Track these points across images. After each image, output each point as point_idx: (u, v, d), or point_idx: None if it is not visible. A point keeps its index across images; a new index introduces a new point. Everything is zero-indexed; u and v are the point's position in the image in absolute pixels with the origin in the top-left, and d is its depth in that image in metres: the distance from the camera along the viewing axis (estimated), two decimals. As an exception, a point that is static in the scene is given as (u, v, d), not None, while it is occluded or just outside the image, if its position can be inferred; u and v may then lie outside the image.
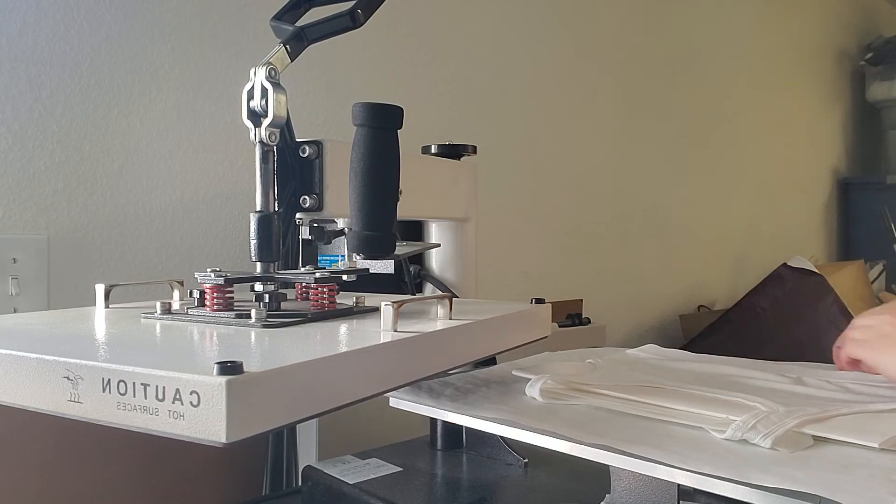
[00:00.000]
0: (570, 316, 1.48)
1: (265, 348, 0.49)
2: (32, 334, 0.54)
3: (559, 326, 1.44)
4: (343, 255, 0.77)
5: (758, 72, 2.41)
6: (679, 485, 0.49)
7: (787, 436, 0.49)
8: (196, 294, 0.61)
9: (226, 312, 0.57)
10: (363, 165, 0.59)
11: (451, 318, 0.60)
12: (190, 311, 0.59)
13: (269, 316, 0.55)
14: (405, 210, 0.65)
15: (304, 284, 0.66)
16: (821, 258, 2.67)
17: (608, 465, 0.52)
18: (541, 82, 1.60)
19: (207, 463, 0.94)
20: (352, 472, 0.73)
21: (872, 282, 2.49)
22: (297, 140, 0.67)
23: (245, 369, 0.37)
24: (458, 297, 0.70)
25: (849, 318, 1.71)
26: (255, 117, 0.60)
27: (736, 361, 0.80)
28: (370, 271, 0.67)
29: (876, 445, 0.48)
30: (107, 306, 0.66)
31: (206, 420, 0.37)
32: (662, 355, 0.83)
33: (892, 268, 2.64)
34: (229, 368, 0.37)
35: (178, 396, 0.37)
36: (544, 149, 1.61)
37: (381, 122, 0.59)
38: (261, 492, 0.95)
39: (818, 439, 0.50)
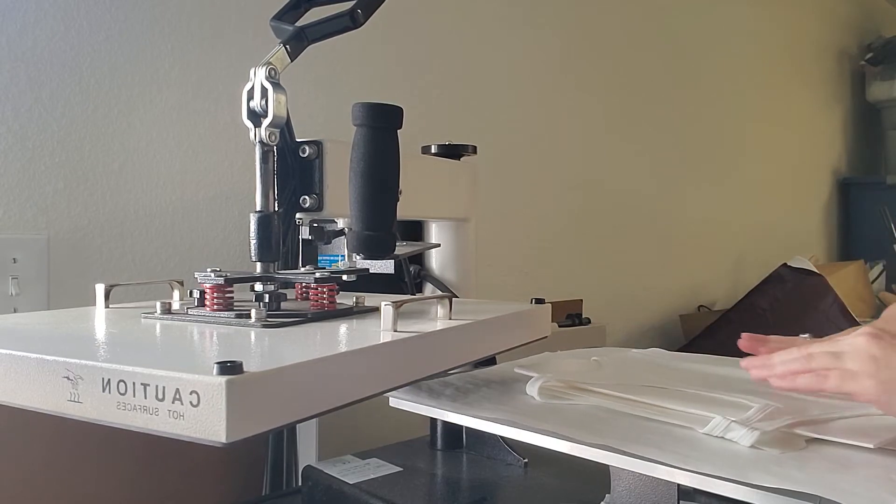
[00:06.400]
0: (570, 316, 1.48)
1: (265, 348, 0.49)
2: (32, 334, 0.54)
3: (559, 326, 1.44)
4: (343, 255, 0.77)
5: (758, 72, 2.41)
6: (679, 485, 0.49)
7: (775, 436, 0.49)
8: (196, 294, 0.61)
9: (226, 312, 0.57)
10: (363, 165, 0.59)
11: (451, 318, 0.60)
12: (190, 311, 0.59)
13: (269, 316, 0.56)
14: (405, 210, 0.65)
15: (304, 284, 0.66)
16: (821, 258, 2.67)
17: (608, 465, 0.52)
18: (541, 82, 1.60)
19: (207, 463, 0.94)
20: (352, 472, 0.73)
21: (872, 282, 2.49)
22: (297, 140, 0.67)
23: (245, 369, 0.37)
24: (458, 297, 0.70)
25: (849, 317, 1.71)
26: (255, 117, 0.60)
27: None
28: (370, 271, 0.67)
29: (871, 446, 0.48)
30: (107, 306, 0.66)
31: (206, 420, 0.37)
32: (667, 357, 0.83)
33: (892, 268, 2.64)
34: (229, 368, 0.37)
35: (177, 396, 0.37)
36: (544, 149, 1.61)
37: (381, 122, 0.59)
38: (261, 492, 0.95)
39: (814, 440, 0.50)
